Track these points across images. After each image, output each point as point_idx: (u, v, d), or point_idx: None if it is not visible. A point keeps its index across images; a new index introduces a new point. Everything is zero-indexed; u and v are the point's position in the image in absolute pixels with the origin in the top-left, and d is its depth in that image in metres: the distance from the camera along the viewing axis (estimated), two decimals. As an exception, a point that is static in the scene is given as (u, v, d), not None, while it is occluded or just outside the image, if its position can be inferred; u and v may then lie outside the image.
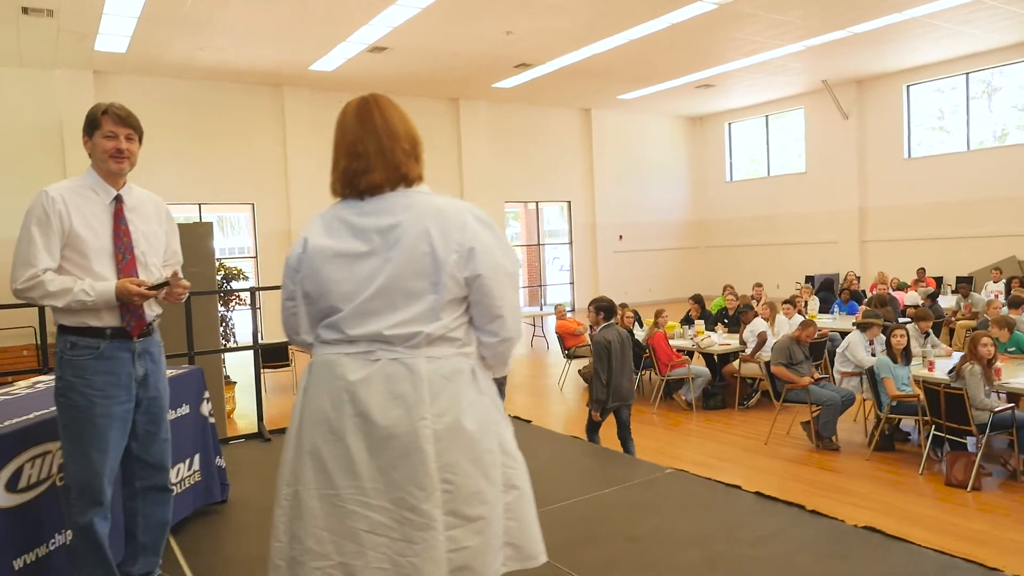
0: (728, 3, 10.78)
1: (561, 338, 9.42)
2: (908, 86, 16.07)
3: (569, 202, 18.63)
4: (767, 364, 6.62)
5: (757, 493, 3.87)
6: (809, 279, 17.06)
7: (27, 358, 9.92)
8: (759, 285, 12.33)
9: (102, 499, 2.46)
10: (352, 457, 1.66)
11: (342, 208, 1.79)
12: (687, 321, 9.23)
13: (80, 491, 2.44)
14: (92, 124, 2.51)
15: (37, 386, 3.41)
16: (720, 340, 8.25)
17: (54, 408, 2.53)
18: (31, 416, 2.73)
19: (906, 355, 5.98)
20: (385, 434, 1.67)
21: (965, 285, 11.40)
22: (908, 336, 6.08)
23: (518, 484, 1.81)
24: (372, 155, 1.76)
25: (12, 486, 2.52)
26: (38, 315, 4.84)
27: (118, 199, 2.57)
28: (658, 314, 8.23)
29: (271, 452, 4.92)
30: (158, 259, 2.64)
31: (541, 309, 16.67)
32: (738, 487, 3.98)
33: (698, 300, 9.42)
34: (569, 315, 10.62)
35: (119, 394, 2.49)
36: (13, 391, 3.30)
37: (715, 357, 8.27)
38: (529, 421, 5.88)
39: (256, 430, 5.44)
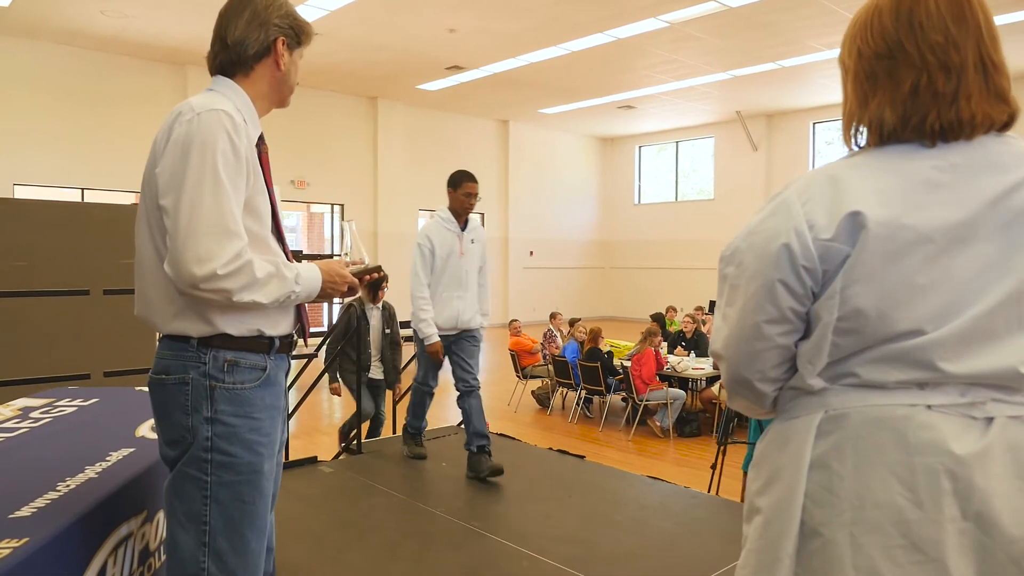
0: (676, 24, 10.76)
1: (516, 356, 8.82)
2: (814, 123, 16.86)
3: (482, 214, 18.10)
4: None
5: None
6: (712, 304, 17.48)
7: None
8: (673, 308, 12.38)
9: None
10: None
11: (900, 158, 1.08)
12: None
13: None
14: None
15: (31, 416, 2.43)
16: (692, 363, 7.97)
17: (113, 458, 1.67)
18: (80, 478, 1.82)
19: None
20: (1019, 553, 0.99)
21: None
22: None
23: None
24: (970, 71, 1.07)
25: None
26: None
27: (262, 139, 1.78)
28: (599, 332, 7.84)
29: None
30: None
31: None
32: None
33: (659, 320, 9.13)
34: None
35: (277, 439, 1.72)
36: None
37: (689, 382, 7.98)
38: (583, 457, 5.10)
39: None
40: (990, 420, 1.02)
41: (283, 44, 1.76)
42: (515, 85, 14.47)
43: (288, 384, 1.88)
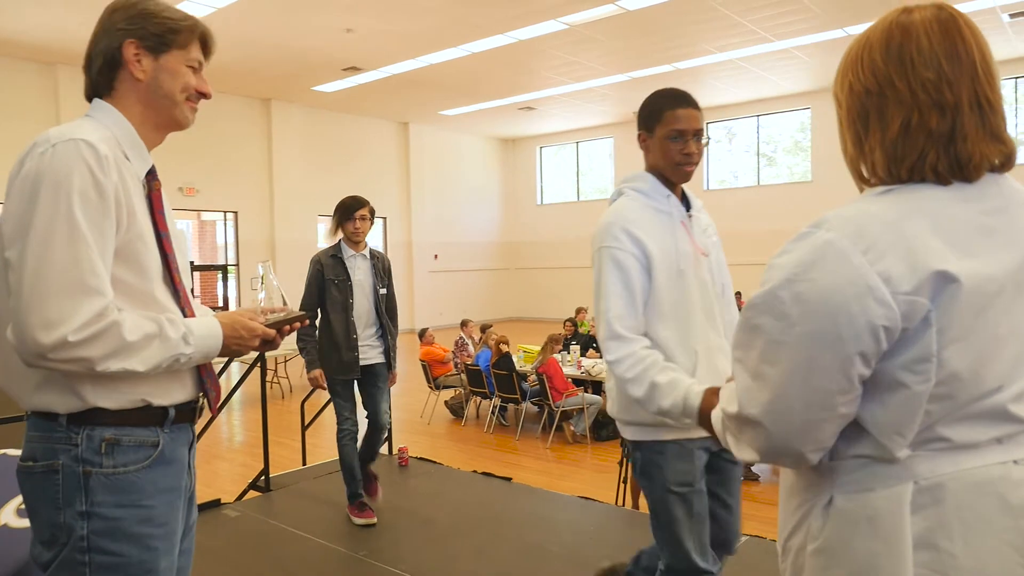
0: (576, 26, 10.78)
1: (427, 366, 8.57)
2: (707, 124, 17.37)
3: (385, 218, 17.67)
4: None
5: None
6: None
7: None
8: (583, 309, 12.45)
9: None
10: None
11: (935, 201, 1.01)
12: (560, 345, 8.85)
13: None
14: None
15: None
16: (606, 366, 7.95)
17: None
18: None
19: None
20: None
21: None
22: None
23: None
24: (965, 110, 1.01)
25: None
26: None
27: (152, 173, 1.51)
28: (502, 339, 7.76)
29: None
30: (187, 279, 1.59)
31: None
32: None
33: (572, 323, 9.09)
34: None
35: (178, 528, 1.43)
36: None
37: (603, 385, 7.95)
38: (509, 479, 4.91)
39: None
40: None
41: (134, 47, 1.46)
42: (415, 86, 14.17)
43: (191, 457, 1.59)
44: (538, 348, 8.55)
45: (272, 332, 1.57)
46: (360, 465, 3.97)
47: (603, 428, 7.40)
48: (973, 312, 0.95)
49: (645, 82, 14.24)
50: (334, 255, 3.94)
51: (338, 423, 3.93)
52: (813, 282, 0.97)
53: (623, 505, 4.60)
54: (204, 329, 1.44)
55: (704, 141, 2.05)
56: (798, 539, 1.10)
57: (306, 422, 5.33)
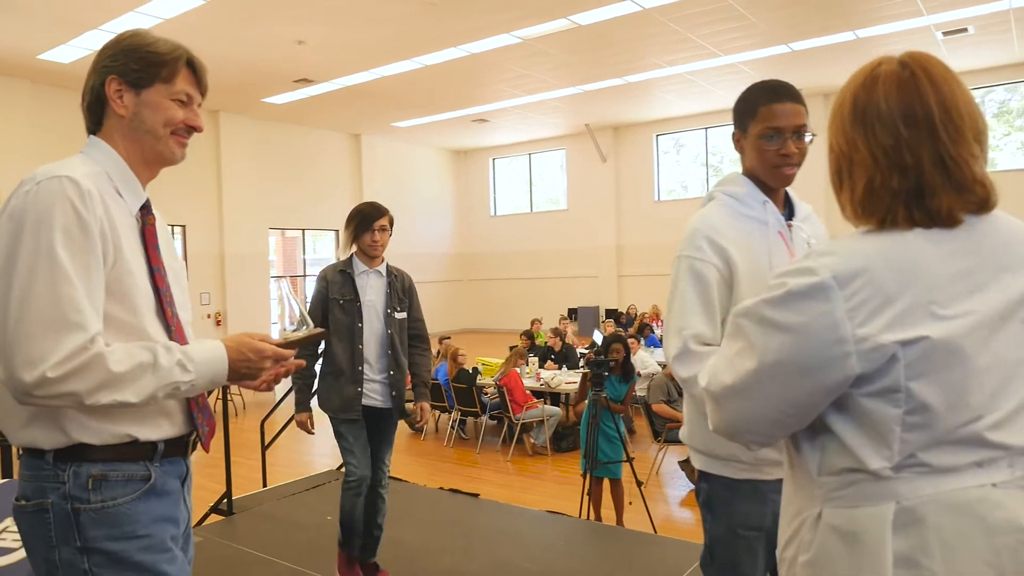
0: (529, 40, 10.89)
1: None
2: (657, 135, 17.70)
3: (337, 231, 17.49)
4: (644, 402, 6.49)
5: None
6: (572, 312, 17.90)
7: None
8: (538, 320, 12.54)
9: None
10: None
11: (915, 242, 1.05)
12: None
13: None
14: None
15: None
16: (565, 377, 8.02)
17: None
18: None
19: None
20: None
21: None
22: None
23: None
24: (927, 169, 1.06)
25: None
26: None
27: (147, 208, 1.50)
28: (457, 351, 7.78)
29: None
30: (188, 315, 1.57)
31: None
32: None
33: (529, 335, 9.13)
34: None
35: (177, 557, 1.42)
36: None
37: (562, 396, 8.01)
38: (476, 495, 4.89)
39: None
40: None
41: (116, 83, 1.46)
42: (367, 98, 14.09)
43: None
44: (497, 361, 8.58)
45: (283, 351, 1.49)
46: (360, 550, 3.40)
47: (563, 440, 7.45)
48: (944, 356, 1.00)
49: (597, 95, 14.46)
50: (343, 270, 3.32)
51: (345, 470, 3.34)
52: (796, 313, 1.04)
53: (588, 518, 4.64)
54: (205, 354, 1.39)
55: (808, 139, 1.79)
56: (792, 550, 1.15)
57: (266, 442, 5.24)
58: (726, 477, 1.79)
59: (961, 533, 1.00)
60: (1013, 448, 1.03)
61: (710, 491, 1.83)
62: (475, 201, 20.98)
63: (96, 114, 1.48)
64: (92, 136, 1.50)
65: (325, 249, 18.30)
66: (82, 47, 10.34)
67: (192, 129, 1.54)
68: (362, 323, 3.25)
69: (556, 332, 9.30)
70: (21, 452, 1.41)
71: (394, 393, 3.27)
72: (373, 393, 3.24)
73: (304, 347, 1.53)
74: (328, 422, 3.33)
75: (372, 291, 3.32)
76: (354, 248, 3.36)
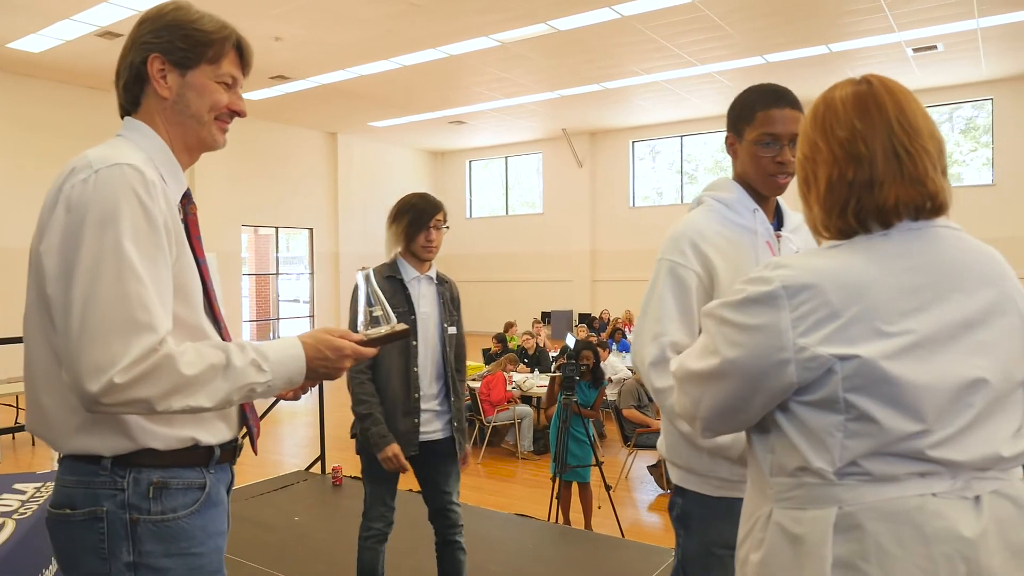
0: (508, 44, 10.93)
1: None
2: (633, 141, 17.84)
3: (311, 229, 17.38)
4: (614, 407, 6.53)
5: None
6: (545, 315, 17.94)
7: None
8: (514, 324, 12.54)
9: None
10: None
11: (871, 253, 1.11)
12: (488, 359, 8.89)
13: None
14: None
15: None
16: (537, 380, 8.04)
17: None
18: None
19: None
20: None
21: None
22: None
23: None
24: (880, 160, 1.11)
25: None
26: None
27: (187, 196, 1.45)
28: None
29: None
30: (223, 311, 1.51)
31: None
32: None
33: (501, 339, 9.14)
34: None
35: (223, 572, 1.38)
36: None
37: (533, 399, 8.04)
38: None
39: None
40: (978, 498, 1.06)
41: (159, 62, 1.34)
42: (344, 97, 14.03)
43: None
44: (471, 363, 8.58)
45: (364, 350, 1.39)
46: None
47: (535, 442, 7.47)
48: (880, 374, 1.04)
49: (574, 100, 14.54)
50: (391, 276, 2.71)
51: (366, 516, 2.83)
52: (750, 316, 1.11)
53: (556, 522, 4.66)
54: (281, 352, 1.29)
55: None
56: (745, 549, 1.20)
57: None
58: (702, 494, 1.73)
59: (899, 540, 1.03)
60: (957, 463, 1.06)
61: (685, 507, 1.78)
62: (451, 203, 20.94)
63: (134, 93, 1.37)
64: (130, 118, 1.38)
65: (299, 247, 18.16)
66: (53, 37, 10.17)
67: (235, 114, 1.43)
68: (417, 340, 2.70)
69: (532, 334, 9.33)
70: (60, 458, 1.31)
71: (455, 424, 2.78)
72: (430, 423, 2.73)
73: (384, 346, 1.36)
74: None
75: (426, 302, 2.76)
76: (398, 249, 2.79)
